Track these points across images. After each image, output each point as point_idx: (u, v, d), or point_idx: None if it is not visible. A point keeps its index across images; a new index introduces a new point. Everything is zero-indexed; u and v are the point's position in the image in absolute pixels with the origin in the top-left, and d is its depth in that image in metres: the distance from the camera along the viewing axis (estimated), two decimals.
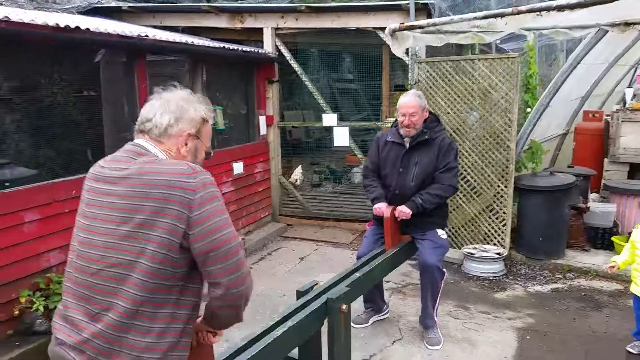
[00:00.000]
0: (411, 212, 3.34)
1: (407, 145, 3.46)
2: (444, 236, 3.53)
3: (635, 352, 3.36)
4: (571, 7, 3.29)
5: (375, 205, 3.48)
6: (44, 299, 3.32)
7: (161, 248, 1.55)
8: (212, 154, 1.88)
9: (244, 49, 5.60)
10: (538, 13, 3.42)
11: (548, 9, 3.37)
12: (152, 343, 1.57)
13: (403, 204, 3.41)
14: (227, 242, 1.59)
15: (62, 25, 3.45)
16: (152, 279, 1.55)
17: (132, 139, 1.77)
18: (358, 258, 3.52)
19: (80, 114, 4.10)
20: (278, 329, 2.39)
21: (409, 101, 3.38)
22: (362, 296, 3.77)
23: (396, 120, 3.53)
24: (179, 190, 1.56)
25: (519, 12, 3.55)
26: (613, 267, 3.41)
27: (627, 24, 4.58)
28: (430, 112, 3.53)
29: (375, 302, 3.87)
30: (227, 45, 5.46)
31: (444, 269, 3.49)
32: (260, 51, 5.98)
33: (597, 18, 4.47)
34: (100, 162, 1.74)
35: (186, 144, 1.74)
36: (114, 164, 1.68)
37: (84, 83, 4.11)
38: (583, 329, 3.71)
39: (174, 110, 1.71)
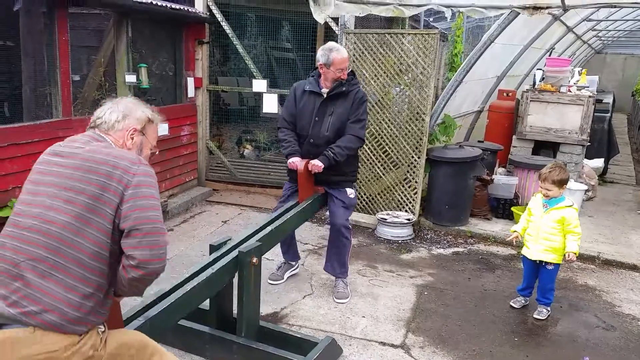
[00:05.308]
0: (323, 166, 3.51)
1: (325, 95, 3.60)
2: (353, 195, 3.77)
3: (516, 307, 3.79)
4: None
5: (290, 160, 3.62)
6: None
7: (100, 218, 1.71)
8: (157, 152, 2.09)
9: (173, 6, 5.50)
10: None
11: None
12: (77, 302, 1.68)
13: (317, 153, 3.57)
14: (153, 222, 1.76)
15: None
16: (88, 243, 1.70)
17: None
18: None
19: None
20: (188, 284, 2.51)
21: (346, 56, 3.53)
22: (280, 252, 4.04)
23: (316, 69, 3.65)
24: (120, 171, 1.75)
25: None
26: (517, 236, 3.76)
27: (536, 8, 4.93)
28: None
29: (290, 256, 4.07)
30: (154, 1, 5.34)
31: (350, 226, 3.77)
32: (190, 10, 5.89)
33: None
34: (62, 142, 1.90)
35: (132, 138, 1.95)
36: (71, 143, 1.87)
37: (1, 32, 3.94)
38: (476, 287, 4.11)
39: (122, 109, 1.95)
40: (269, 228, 3.22)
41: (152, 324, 2.22)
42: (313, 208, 3.71)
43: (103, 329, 1.80)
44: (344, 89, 3.57)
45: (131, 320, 2.20)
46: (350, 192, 3.76)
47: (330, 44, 3.62)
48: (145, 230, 1.73)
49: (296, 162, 3.57)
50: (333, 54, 3.48)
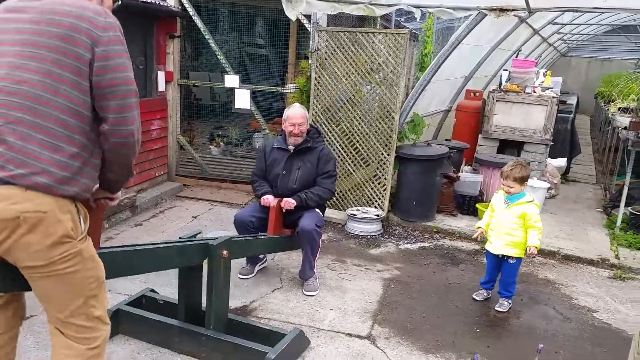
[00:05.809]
0: (295, 204, 3.72)
1: (291, 151, 3.87)
2: (321, 214, 3.96)
3: (479, 299, 3.92)
4: None
5: (263, 197, 3.82)
6: None
7: (72, 74, 1.63)
8: (119, 2, 1.99)
9: None
10: None
11: None
12: (63, 162, 1.64)
13: None
14: (127, 83, 1.72)
15: None
16: (64, 101, 1.63)
17: None
18: (235, 220, 3.82)
19: None
20: (162, 245, 2.61)
21: (297, 113, 3.82)
22: None
23: (282, 130, 3.94)
24: (87, 23, 1.65)
25: None
26: (481, 232, 3.90)
27: (502, 10, 5.07)
28: (311, 125, 4.01)
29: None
30: None
31: (321, 230, 3.86)
32: (161, 3, 5.85)
33: (477, 1, 4.92)
34: None
35: None
36: None
37: None
38: (440, 280, 4.23)
39: None
40: (240, 238, 3.33)
41: (124, 256, 2.29)
42: (281, 243, 3.86)
43: (84, 225, 1.77)
44: (309, 144, 3.89)
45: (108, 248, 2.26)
46: (319, 211, 3.94)
47: (293, 104, 4.01)
48: (121, 92, 1.70)
49: (269, 198, 3.78)
50: (288, 111, 3.89)
